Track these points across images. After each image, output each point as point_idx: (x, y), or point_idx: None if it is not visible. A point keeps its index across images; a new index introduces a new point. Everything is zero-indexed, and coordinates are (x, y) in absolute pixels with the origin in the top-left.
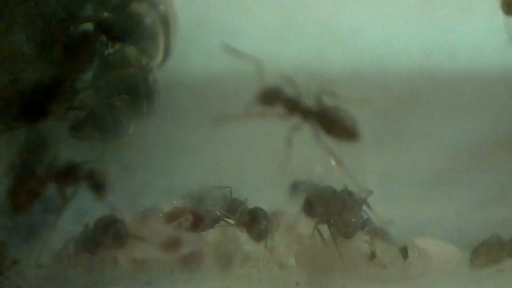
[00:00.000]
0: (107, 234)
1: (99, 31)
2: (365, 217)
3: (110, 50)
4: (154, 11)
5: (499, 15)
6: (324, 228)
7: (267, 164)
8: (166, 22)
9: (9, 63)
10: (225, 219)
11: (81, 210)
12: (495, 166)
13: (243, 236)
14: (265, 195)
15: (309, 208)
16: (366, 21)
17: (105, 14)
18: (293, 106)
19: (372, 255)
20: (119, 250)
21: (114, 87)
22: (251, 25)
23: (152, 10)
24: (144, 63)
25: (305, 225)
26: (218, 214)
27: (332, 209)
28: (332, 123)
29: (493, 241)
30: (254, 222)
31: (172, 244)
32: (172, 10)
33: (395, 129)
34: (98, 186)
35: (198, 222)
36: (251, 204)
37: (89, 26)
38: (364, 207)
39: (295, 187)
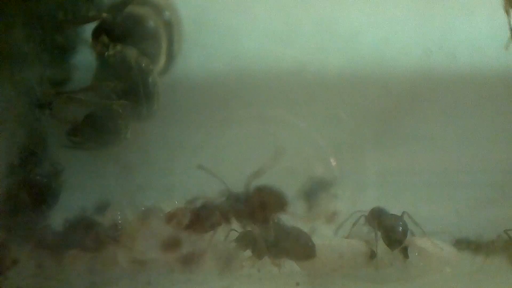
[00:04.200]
0: (86, 235)
1: (100, 31)
2: None
3: (111, 52)
4: (158, 16)
5: (499, 15)
6: None
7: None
8: (169, 28)
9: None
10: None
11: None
12: (495, 166)
13: None
14: None
15: None
16: (366, 21)
17: (105, 14)
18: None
19: (372, 255)
20: (94, 253)
21: (114, 89)
22: (251, 25)
23: (155, 14)
24: (144, 65)
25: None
26: (219, 216)
27: None
28: None
29: None
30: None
31: (172, 244)
32: (177, 17)
33: (395, 129)
34: None
35: (199, 223)
36: None
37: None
38: None
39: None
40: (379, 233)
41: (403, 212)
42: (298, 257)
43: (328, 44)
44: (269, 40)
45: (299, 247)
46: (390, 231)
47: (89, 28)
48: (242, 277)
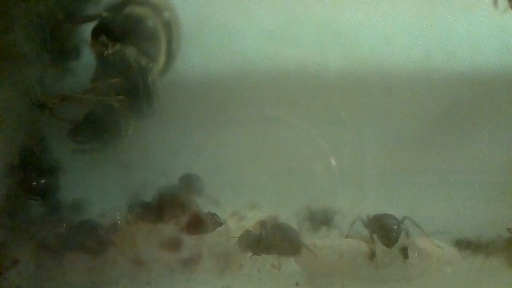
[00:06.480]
0: (90, 238)
1: (99, 31)
2: None
3: (110, 51)
4: (157, 16)
5: (499, 15)
6: None
7: (267, 164)
8: (169, 28)
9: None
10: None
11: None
12: (495, 166)
13: None
14: (265, 195)
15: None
16: (366, 21)
17: (104, 14)
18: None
19: (372, 255)
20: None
21: (114, 88)
22: (251, 25)
23: (154, 14)
24: (143, 63)
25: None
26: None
27: None
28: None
29: None
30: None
31: (172, 245)
32: (176, 18)
33: (395, 129)
34: None
35: (200, 224)
36: (252, 206)
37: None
38: None
39: None
40: (374, 235)
41: (404, 217)
42: (284, 252)
43: (328, 44)
44: (269, 40)
45: (285, 243)
46: (385, 230)
47: (88, 28)
48: (242, 277)
